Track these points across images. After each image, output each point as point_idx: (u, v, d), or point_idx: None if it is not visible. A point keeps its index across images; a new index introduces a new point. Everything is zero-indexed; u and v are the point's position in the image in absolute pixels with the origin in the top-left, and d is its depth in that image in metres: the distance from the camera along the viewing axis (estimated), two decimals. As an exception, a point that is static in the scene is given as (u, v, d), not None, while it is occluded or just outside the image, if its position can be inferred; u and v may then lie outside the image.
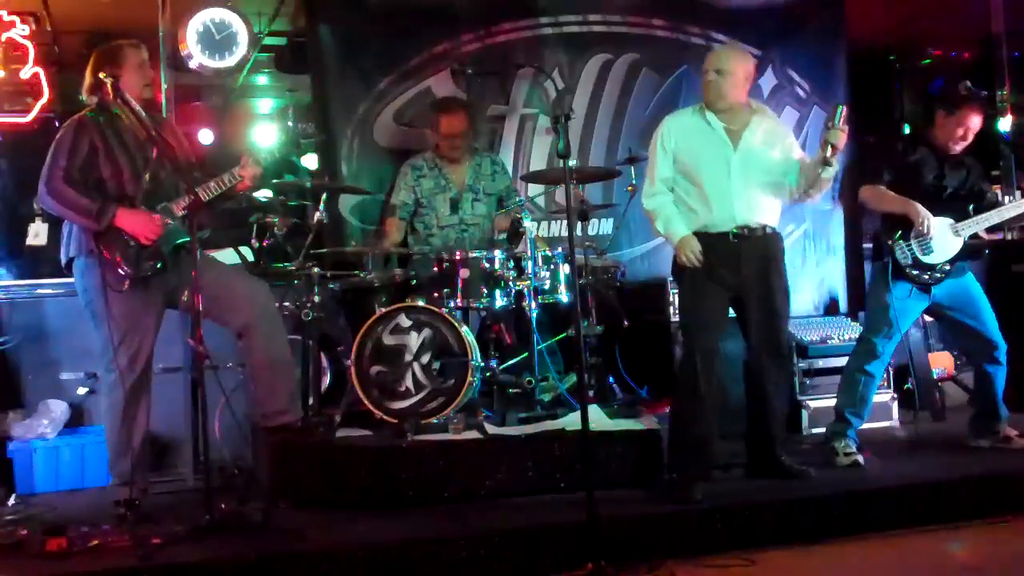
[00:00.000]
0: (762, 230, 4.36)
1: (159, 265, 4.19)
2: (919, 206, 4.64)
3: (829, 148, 4.15)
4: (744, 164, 4.32)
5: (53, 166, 4.11)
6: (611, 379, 5.26)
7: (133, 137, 4.22)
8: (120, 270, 4.11)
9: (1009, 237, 5.21)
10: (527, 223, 4.85)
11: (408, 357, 4.57)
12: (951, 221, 4.72)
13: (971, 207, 4.78)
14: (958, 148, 4.84)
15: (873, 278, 4.89)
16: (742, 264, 4.33)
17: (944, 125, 4.81)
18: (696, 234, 4.32)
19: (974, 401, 5.14)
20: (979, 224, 4.76)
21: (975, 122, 4.79)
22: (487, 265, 4.81)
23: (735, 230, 4.30)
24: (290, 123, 4.71)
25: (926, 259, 4.68)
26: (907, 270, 4.69)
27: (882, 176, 4.80)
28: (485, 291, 4.80)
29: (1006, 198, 6.95)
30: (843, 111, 4.17)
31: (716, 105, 4.38)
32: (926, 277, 4.70)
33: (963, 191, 4.85)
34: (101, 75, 4.17)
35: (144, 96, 4.34)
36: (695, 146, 4.37)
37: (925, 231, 4.63)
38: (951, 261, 4.72)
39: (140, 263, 4.14)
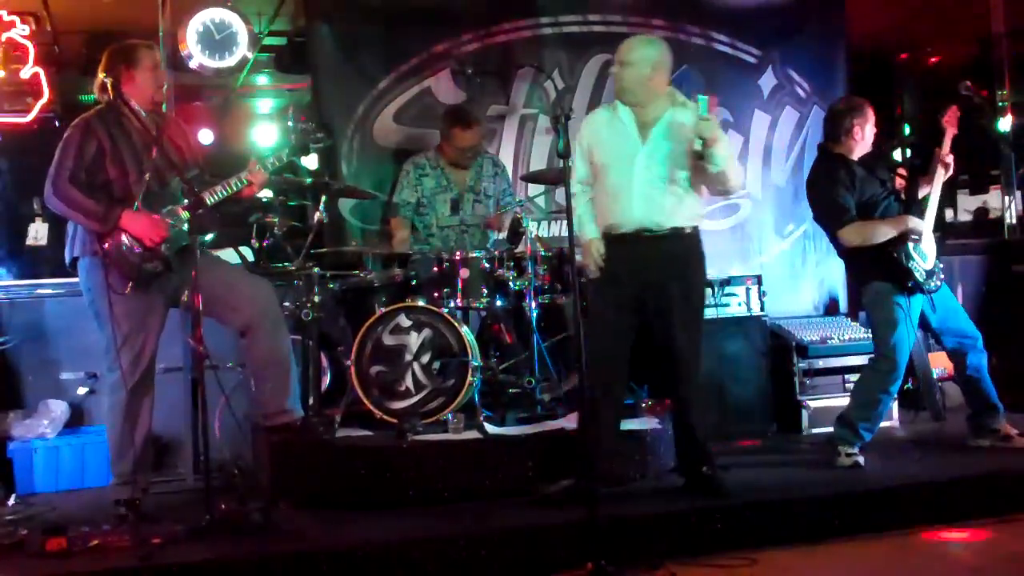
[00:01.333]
0: (670, 231, 4.09)
1: (162, 267, 4.18)
2: (908, 217, 4.64)
3: (700, 142, 3.94)
4: (650, 161, 4.07)
5: (60, 167, 4.08)
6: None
7: (141, 138, 4.18)
8: (123, 272, 4.10)
9: (1009, 237, 5.21)
10: (527, 223, 4.85)
11: (408, 357, 4.57)
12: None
13: (909, 203, 4.77)
14: (869, 147, 4.83)
15: (876, 296, 4.71)
16: (644, 269, 4.10)
17: (862, 131, 4.76)
18: (604, 236, 4.18)
19: (969, 401, 5.12)
20: (932, 215, 4.72)
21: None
22: (487, 265, 4.81)
23: (636, 231, 4.09)
24: (290, 123, 4.69)
25: (926, 266, 4.67)
26: (925, 284, 4.64)
27: (850, 211, 4.65)
28: (485, 291, 4.80)
29: (1005, 200, 6.98)
30: (708, 100, 3.92)
31: (624, 98, 4.16)
32: (932, 284, 4.69)
33: (899, 192, 4.84)
34: (101, 75, 4.16)
35: (157, 99, 4.31)
36: (605, 142, 4.17)
37: (921, 236, 4.62)
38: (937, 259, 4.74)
39: (143, 265, 4.13)
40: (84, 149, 4.09)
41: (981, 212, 8.54)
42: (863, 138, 4.78)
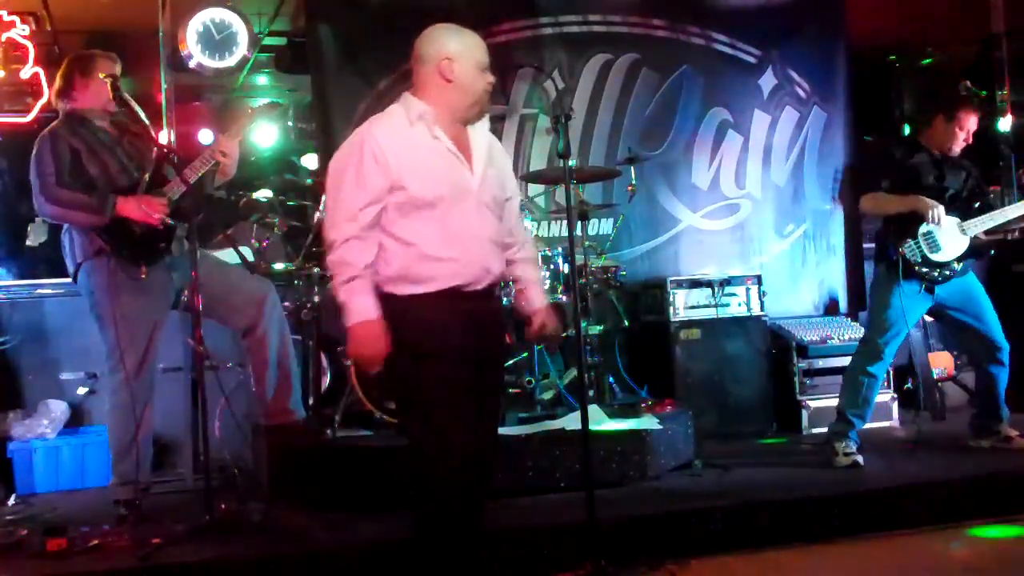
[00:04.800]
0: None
1: (167, 244, 4.18)
2: (925, 197, 4.64)
3: None
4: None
5: (42, 175, 4.11)
6: (611, 379, 5.26)
7: (108, 135, 4.25)
8: (133, 257, 4.10)
9: (1009, 237, 5.21)
10: (527, 223, 4.84)
11: (408, 357, 4.56)
12: (957, 220, 4.72)
13: (976, 206, 4.79)
14: (958, 150, 4.85)
15: (877, 278, 4.85)
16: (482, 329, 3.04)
17: (944, 129, 4.82)
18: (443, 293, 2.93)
19: (975, 401, 5.13)
20: (984, 223, 4.75)
21: (973, 123, 4.81)
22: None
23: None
24: (290, 123, 4.70)
25: (935, 257, 4.67)
26: (917, 268, 4.65)
27: (879, 183, 4.75)
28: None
29: (1004, 199, 6.97)
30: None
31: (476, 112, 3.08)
32: (935, 275, 4.68)
33: (964, 192, 4.85)
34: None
35: (108, 109, 4.25)
36: (430, 167, 2.94)
37: (936, 220, 4.62)
38: (959, 259, 4.72)
39: (152, 246, 4.14)
40: (59, 153, 4.12)
41: None
42: (944, 132, 4.82)
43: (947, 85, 7.29)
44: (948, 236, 4.69)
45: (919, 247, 4.66)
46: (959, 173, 4.88)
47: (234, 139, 4.33)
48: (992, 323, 4.84)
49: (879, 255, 4.85)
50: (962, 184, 4.86)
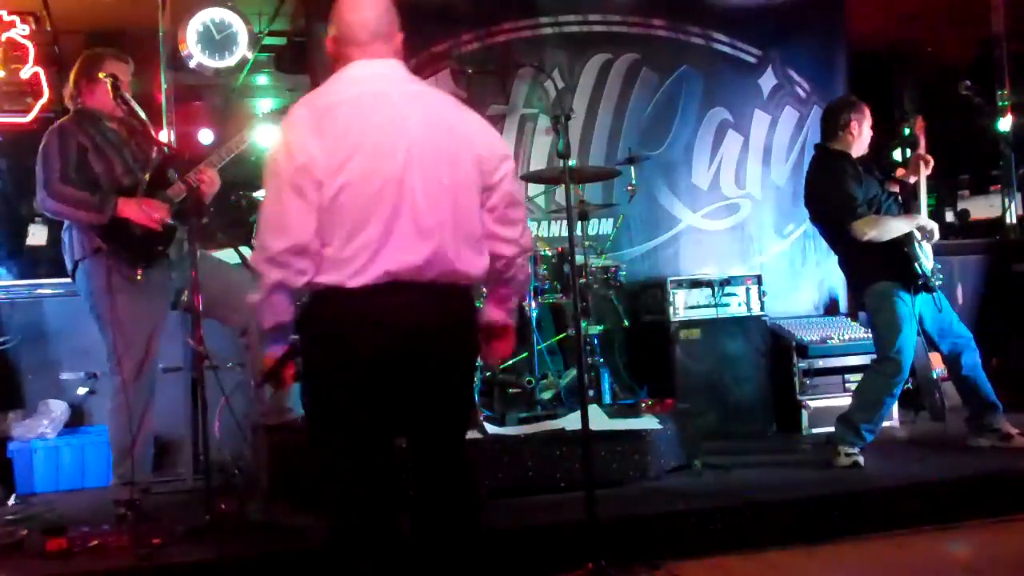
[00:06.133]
0: None
1: (165, 247, 4.18)
2: (917, 216, 4.65)
3: None
4: None
5: (48, 170, 4.10)
6: (611, 379, 5.26)
7: (117, 135, 4.25)
8: (130, 258, 4.10)
9: (1012, 237, 5.21)
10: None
11: (408, 357, 4.56)
12: None
13: (908, 202, 4.82)
14: (866, 149, 4.84)
15: (878, 297, 4.68)
16: None
17: (860, 130, 4.77)
18: None
19: (967, 401, 5.11)
20: (924, 212, 4.76)
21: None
22: (487, 265, 4.80)
23: None
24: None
25: (930, 265, 4.67)
26: (931, 282, 4.64)
27: (862, 203, 4.62)
28: (484, 291, 4.78)
29: (1005, 199, 6.99)
30: None
31: None
32: (936, 282, 4.69)
33: (896, 195, 4.86)
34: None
35: (116, 114, 4.23)
36: None
37: (933, 233, 4.62)
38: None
39: (150, 248, 4.14)
40: (66, 149, 4.11)
41: (963, 214, 8.56)
42: (860, 135, 4.78)
43: (948, 85, 7.31)
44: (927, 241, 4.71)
45: (922, 261, 4.65)
46: (880, 176, 4.89)
47: (213, 167, 4.26)
48: (954, 315, 4.85)
49: (872, 275, 4.69)
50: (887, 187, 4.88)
